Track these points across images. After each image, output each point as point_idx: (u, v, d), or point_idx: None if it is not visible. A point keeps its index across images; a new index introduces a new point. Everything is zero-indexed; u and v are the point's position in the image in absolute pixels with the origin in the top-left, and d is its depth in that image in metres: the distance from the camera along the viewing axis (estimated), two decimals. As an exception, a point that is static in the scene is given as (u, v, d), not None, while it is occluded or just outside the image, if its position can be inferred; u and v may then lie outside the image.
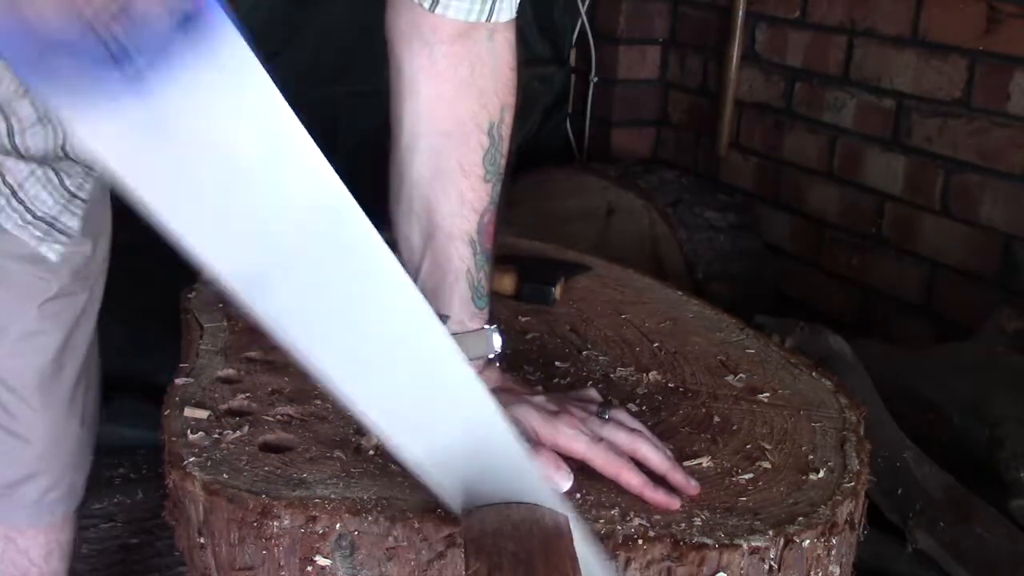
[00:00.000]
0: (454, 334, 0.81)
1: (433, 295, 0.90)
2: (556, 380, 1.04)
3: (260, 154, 0.60)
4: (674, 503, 0.81)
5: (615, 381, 1.05)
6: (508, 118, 0.92)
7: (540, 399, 0.88)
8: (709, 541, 0.78)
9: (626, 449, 0.85)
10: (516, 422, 0.81)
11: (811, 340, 1.65)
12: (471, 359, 0.80)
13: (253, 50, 0.59)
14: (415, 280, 0.86)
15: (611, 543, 0.77)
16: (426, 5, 0.86)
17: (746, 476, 0.87)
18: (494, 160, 0.91)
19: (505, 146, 0.92)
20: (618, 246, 2.30)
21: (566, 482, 0.83)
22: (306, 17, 2.20)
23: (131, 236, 2.34)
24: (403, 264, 0.82)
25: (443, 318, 0.86)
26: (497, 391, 0.83)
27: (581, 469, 0.87)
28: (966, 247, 2.02)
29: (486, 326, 0.92)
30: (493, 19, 0.87)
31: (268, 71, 0.59)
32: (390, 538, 0.79)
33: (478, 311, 0.92)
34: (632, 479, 0.83)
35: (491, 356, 0.90)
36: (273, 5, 2.19)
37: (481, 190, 0.91)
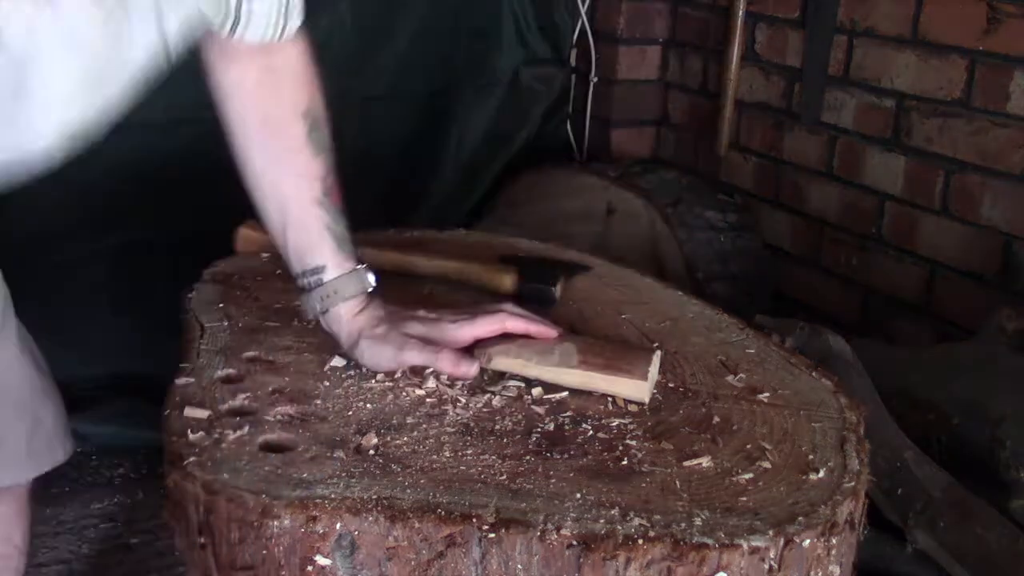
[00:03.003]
0: (334, 278, 1.04)
1: (305, 253, 1.05)
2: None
3: None
4: (466, 369, 1.02)
5: (615, 381, 1.05)
6: (319, 102, 1.07)
7: (421, 312, 1.07)
8: (709, 541, 0.78)
9: (496, 327, 1.04)
10: (408, 335, 1.03)
11: (811, 340, 1.65)
12: (352, 296, 1.04)
13: None
14: (284, 249, 1.07)
15: (611, 543, 0.77)
16: (226, 34, 1.02)
17: (746, 476, 0.87)
18: (318, 137, 1.06)
19: (323, 123, 1.07)
20: (618, 246, 2.30)
21: (472, 368, 1.02)
22: (307, 16, 2.20)
23: (131, 236, 2.34)
24: (273, 239, 1.07)
25: (319, 268, 1.04)
26: (383, 317, 1.04)
27: (582, 469, 0.87)
28: (966, 247, 2.02)
29: (358, 266, 1.06)
30: (284, 36, 1.03)
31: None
32: (390, 538, 0.79)
33: (348, 254, 1.06)
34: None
35: (369, 291, 1.06)
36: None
37: (314, 163, 1.06)
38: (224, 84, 1.06)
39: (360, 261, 1.07)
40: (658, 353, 1.03)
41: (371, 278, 1.06)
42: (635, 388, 0.99)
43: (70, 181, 2.08)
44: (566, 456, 0.89)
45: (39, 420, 1.15)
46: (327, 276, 1.04)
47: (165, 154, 2.17)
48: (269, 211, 1.07)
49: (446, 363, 1.01)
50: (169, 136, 2.17)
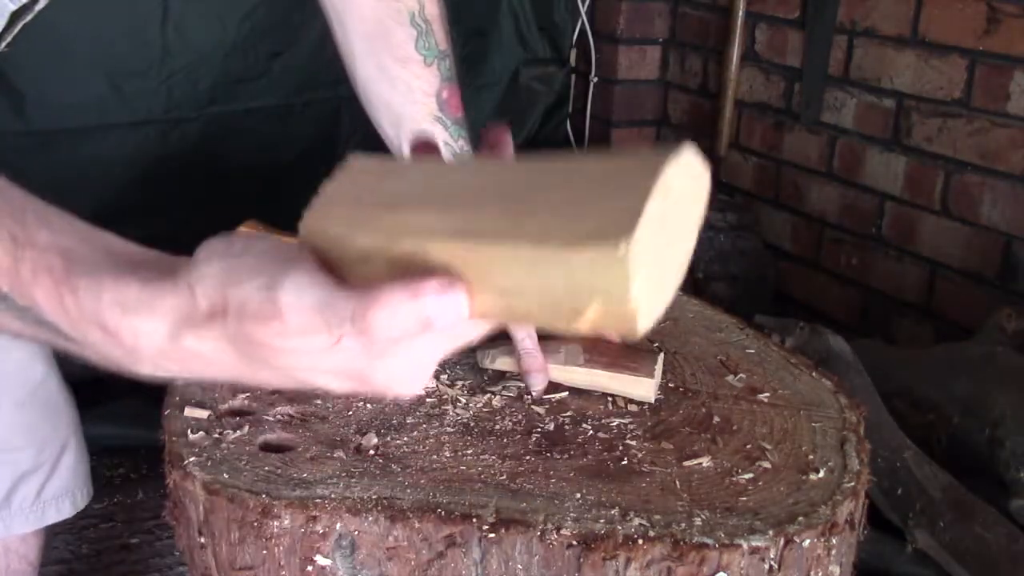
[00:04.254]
0: None
1: None
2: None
3: None
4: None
5: (615, 381, 1.05)
6: (429, 5, 0.98)
7: None
8: (709, 541, 0.78)
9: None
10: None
11: (811, 340, 1.65)
12: None
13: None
14: (402, 159, 0.95)
15: (611, 543, 0.77)
16: None
17: (746, 476, 0.87)
18: (428, 45, 0.97)
19: (436, 27, 0.98)
20: (618, 246, 2.30)
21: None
22: (307, 17, 2.20)
23: (132, 236, 2.33)
24: (389, 147, 0.95)
25: None
26: None
27: (582, 469, 0.87)
28: (966, 247, 2.02)
29: None
30: None
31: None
32: (390, 538, 0.79)
33: None
34: None
35: None
36: (274, 5, 2.19)
37: (426, 74, 0.97)
38: None
39: None
40: (662, 354, 1.03)
41: None
42: (642, 387, 0.98)
43: (72, 181, 2.09)
44: (566, 456, 0.89)
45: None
46: None
47: (165, 154, 2.17)
48: (381, 122, 1.00)
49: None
50: (169, 136, 2.17)
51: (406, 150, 0.98)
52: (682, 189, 0.46)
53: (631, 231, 0.43)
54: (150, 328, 0.51)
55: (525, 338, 0.97)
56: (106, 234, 0.57)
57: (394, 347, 0.48)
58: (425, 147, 0.59)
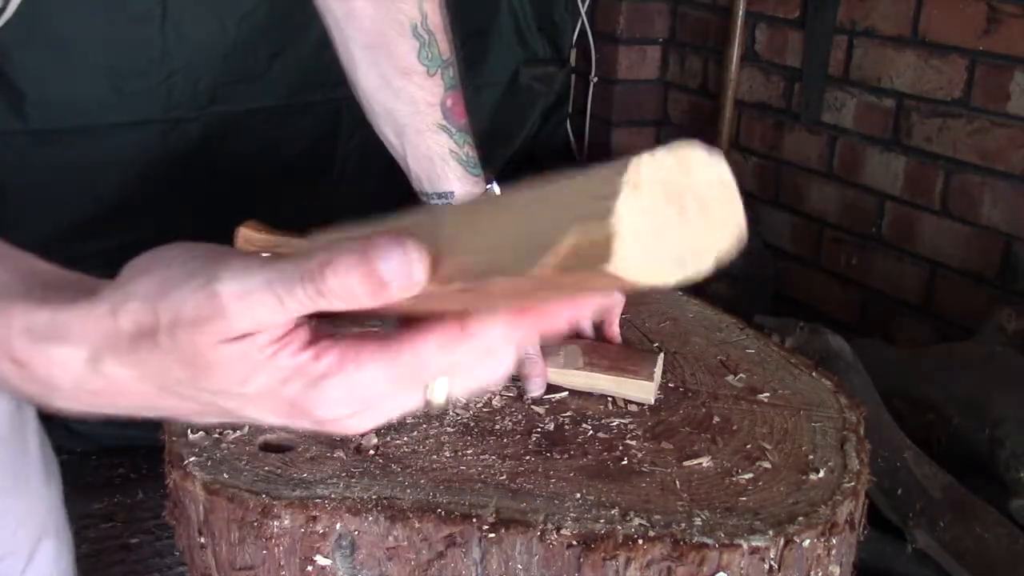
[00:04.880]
0: None
1: (430, 179, 0.98)
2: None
3: None
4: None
5: (615, 381, 1.05)
6: (432, 15, 0.97)
7: None
8: (709, 541, 0.78)
9: None
10: None
11: (811, 340, 1.65)
12: None
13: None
14: (407, 170, 0.99)
15: (611, 543, 0.77)
16: None
17: (746, 476, 0.87)
18: (431, 55, 0.96)
19: (440, 37, 0.97)
20: (618, 246, 2.30)
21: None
22: (307, 17, 2.20)
23: (132, 236, 2.34)
24: (393, 154, 0.95)
25: (446, 194, 0.97)
26: None
27: (582, 469, 0.87)
28: (966, 247, 2.02)
29: (487, 186, 1.00)
30: None
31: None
32: (390, 538, 0.79)
33: (476, 177, 0.99)
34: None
35: None
36: (274, 5, 2.19)
37: (429, 84, 0.96)
38: (327, 1, 0.97)
39: (488, 180, 1.00)
40: (661, 355, 1.03)
41: (497, 190, 1.00)
42: (642, 389, 0.98)
43: (71, 181, 2.09)
44: (566, 456, 0.89)
45: None
46: (458, 202, 0.97)
47: (165, 154, 2.17)
48: (384, 131, 0.99)
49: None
50: (169, 136, 2.17)
51: (410, 160, 0.98)
52: (705, 180, 0.44)
53: (637, 162, 0.40)
54: (64, 356, 0.46)
55: None
56: (24, 255, 0.52)
57: (338, 371, 0.44)
58: None
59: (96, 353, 0.46)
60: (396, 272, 0.42)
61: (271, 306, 0.43)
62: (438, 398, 0.48)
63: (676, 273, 0.42)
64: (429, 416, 0.95)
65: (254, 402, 0.46)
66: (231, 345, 0.44)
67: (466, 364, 0.46)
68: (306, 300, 0.43)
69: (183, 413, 0.49)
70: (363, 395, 0.45)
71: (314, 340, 0.45)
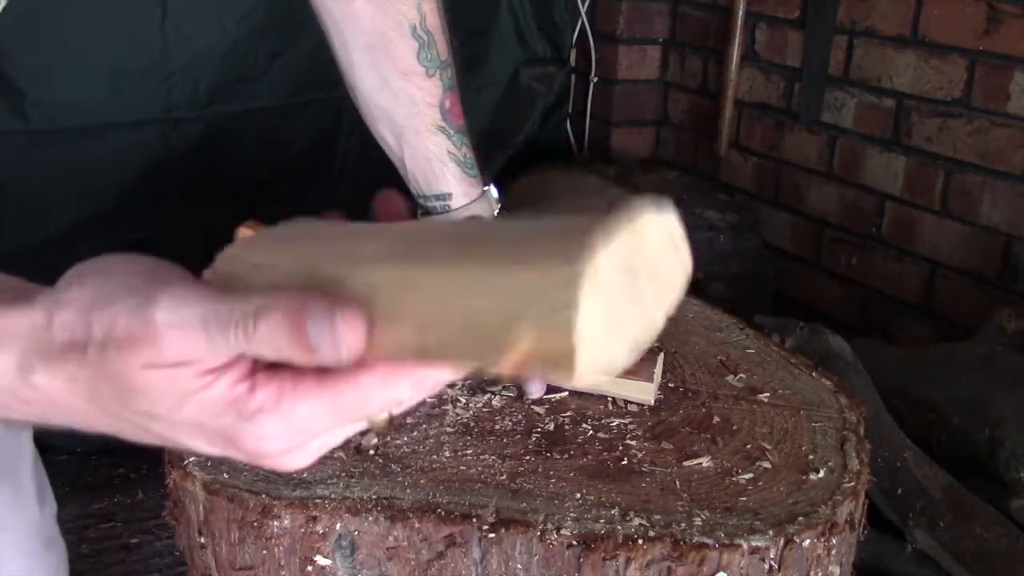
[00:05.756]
0: (463, 205, 0.96)
1: (427, 181, 0.98)
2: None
3: None
4: None
5: (615, 381, 1.05)
6: (430, 15, 0.96)
7: None
8: (709, 541, 0.78)
9: None
10: None
11: (811, 340, 1.65)
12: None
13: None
14: (403, 173, 0.98)
15: (611, 543, 0.77)
16: None
17: (746, 476, 0.87)
18: (430, 56, 0.96)
19: (438, 37, 0.97)
20: (618, 246, 2.30)
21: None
22: (307, 17, 2.20)
23: (132, 236, 2.34)
24: (390, 156, 0.94)
25: (445, 196, 0.97)
26: None
27: (582, 469, 0.87)
28: (966, 247, 2.02)
29: (485, 188, 1.00)
30: None
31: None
32: (390, 538, 0.79)
33: (473, 178, 1.00)
34: None
35: (495, 213, 1.00)
36: (274, 5, 2.19)
37: (428, 85, 0.96)
38: (325, 3, 0.97)
39: (486, 181, 1.01)
40: (661, 355, 1.03)
41: (494, 192, 1.01)
42: (642, 390, 0.98)
43: (72, 181, 2.09)
44: (566, 456, 0.89)
45: None
46: (454, 203, 0.98)
47: (165, 154, 2.17)
48: (382, 133, 0.99)
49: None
50: (169, 136, 2.17)
51: (407, 161, 0.98)
52: (660, 250, 0.42)
53: (593, 253, 0.38)
54: None
55: None
56: None
57: (275, 406, 0.43)
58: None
59: (26, 361, 0.44)
60: (325, 344, 0.41)
61: (201, 343, 0.42)
62: (380, 422, 0.47)
63: (632, 355, 0.42)
64: (429, 416, 0.95)
65: (185, 430, 0.45)
66: (160, 371, 0.43)
67: (410, 398, 0.44)
68: (235, 345, 0.42)
69: (118, 432, 0.47)
70: (300, 431, 0.44)
71: (252, 373, 0.43)
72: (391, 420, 0.47)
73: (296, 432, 0.44)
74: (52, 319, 0.44)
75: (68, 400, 0.45)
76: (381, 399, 0.44)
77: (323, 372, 0.43)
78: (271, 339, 0.41)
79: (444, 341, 0.41)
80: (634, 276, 0.41)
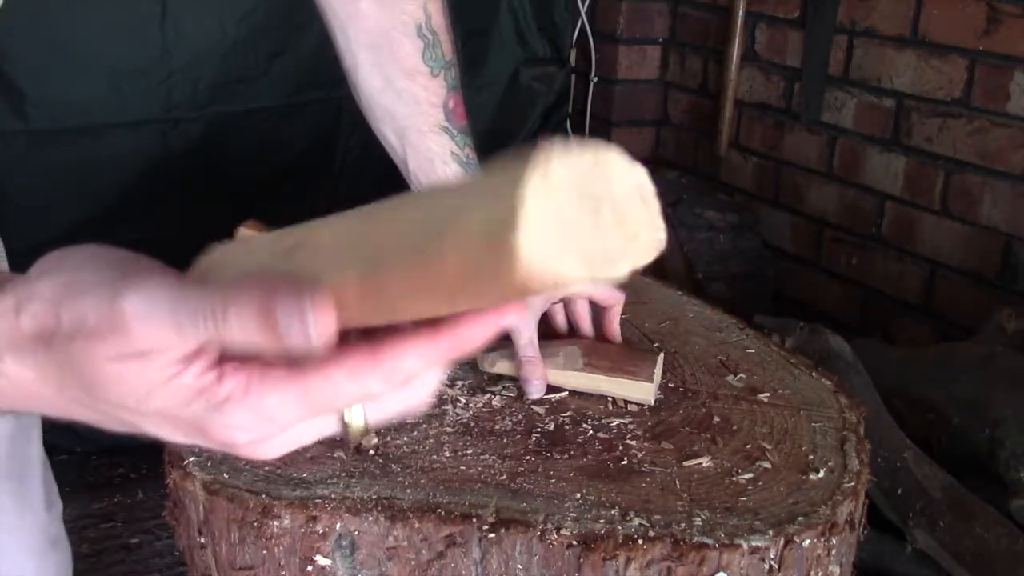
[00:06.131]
0: None
1: (430, 181, 0.97)
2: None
3: None
4: None
5: (615, 381, 1.05)
6: (436, 15, 0.97)
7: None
8: (709, 541, 0.78)
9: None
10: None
11: (811, 340, 1.65)
12: None
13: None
14: (406, 173, 0.97)
15: (611, 543, 0.77)
16: None
17: (746, 476, 0.87)
18: (435, 56, 0.96)
19: (443, 37, 0.97)
20: (618, 246, 2.30)
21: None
22: (307, 17, 2.20)
23: (132, 236, 2.34)
24: (392, 156, 0.94)
25: None
26: None
27: (582, 469, 0.87)
28: (966, 247, 2.02)
29: None
30: None
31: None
32: (390, 538, 0.79)
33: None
34: None
35: None
36: (274, 5, 2.19)
37: (432, 85, 0.96)
38: (330, 2, 0.96)
39: None
40: (661, 355, 1.03)
41: None
42: (642, 390, 0.98)
43: (72, 181, 2.09)
44: (566, 456, 0.89)
45: None
46: None
47: (165, 154, 2.18)
48: (385, 133, 0.99)
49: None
50: (169, 136, 2.17)
51: (410, 161, 0.97)
52: (624, 190, 0.42)
53: (547, 157, 0.38)
54: None
55: (527, 345, 0.97)
56: None
57: (243, 396, 0.43)
58: None
59: None
60: (294, 328, 0.41)
61: (170, 331, 0.42)
62: (356, 423, 0.47)
63: (583, 271, 0.40)
64: (429, 416, 0.95)
65: (154, 420, 0.45)
66: (128, 362, 0.43)
67: (380, 392, 0.44)
68: (204, 332, 0.42)
69: (91, 420, 0.47)
70: (269, 421, 0.44)
71: (220, 362, 0.44)
72: (367, 425, 0.47)
73: (265, 422, 0.44)
74: (20, 310, 0.44)
75: (39, 388, 0.45)
76: (350, 392, 0.43)
77: (293, 364, 0.43)
78: (240, 325, 0.41)
79: (394, 249, 0.41)
80: (596, 208, 0.41)
